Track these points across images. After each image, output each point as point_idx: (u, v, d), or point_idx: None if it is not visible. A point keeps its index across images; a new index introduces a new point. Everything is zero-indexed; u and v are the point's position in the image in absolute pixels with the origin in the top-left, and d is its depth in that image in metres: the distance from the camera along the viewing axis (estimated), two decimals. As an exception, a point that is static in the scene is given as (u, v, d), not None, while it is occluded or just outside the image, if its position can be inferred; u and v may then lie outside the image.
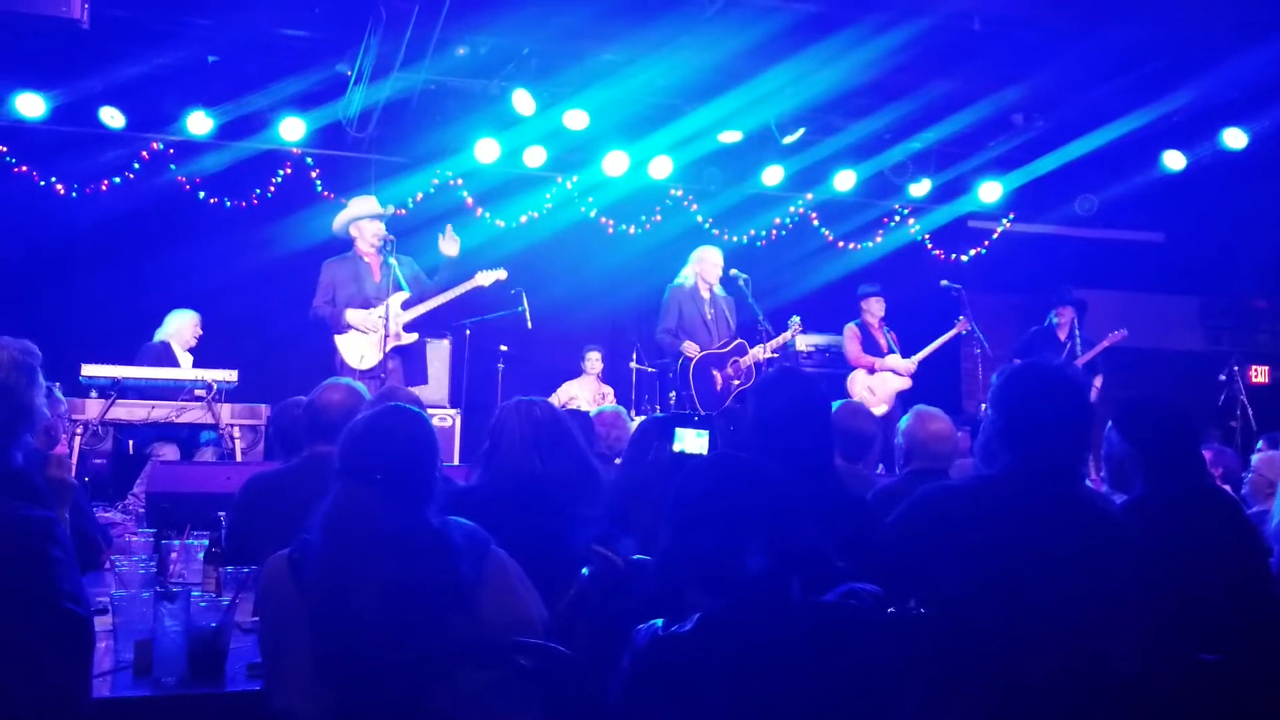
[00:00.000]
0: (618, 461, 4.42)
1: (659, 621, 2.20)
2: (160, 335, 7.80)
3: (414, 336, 7.35)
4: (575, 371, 9.50)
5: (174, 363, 7.50)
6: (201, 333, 7.93)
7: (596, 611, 2.86)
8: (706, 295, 8.32)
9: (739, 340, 8.21)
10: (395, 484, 2.41)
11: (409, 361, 7.42)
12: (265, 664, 2.44)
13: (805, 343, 9.30)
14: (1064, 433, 2.63)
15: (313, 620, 2.31)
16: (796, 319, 8.23)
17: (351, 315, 7.17)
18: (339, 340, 7.24)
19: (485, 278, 7.53)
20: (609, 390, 9.39)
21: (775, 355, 8.18)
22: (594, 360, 9.44)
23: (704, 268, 8.30)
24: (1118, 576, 2.51)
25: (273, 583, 2.42)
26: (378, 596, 2.29)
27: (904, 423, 4.42)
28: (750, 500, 2.19)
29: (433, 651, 2.30)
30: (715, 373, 8.06)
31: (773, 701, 2.05)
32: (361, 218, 7.40)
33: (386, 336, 7.06)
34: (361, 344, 7.18)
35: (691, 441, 3.40)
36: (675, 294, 8.33)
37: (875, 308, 9.00)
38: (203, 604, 2.66)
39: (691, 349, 8.04)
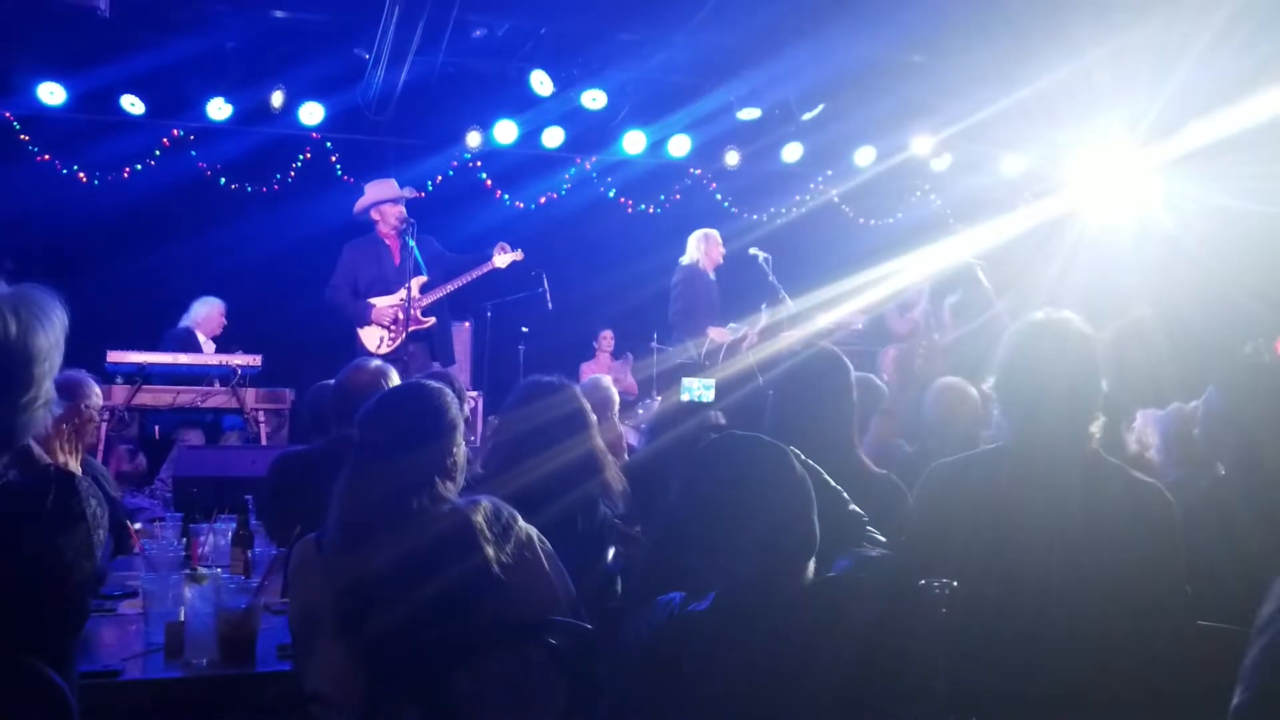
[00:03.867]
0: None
1: (677, 596, 2.20)
2: (186, 322, 7.85)
3: (431, 320, 7.35)
4: (594, 352, 9.63)
5: (197, 350, 7.54)
6: (226, 322, 7.99)
7: (623, 587, 2.88)
8: (713, 277, 8.35)
9: (743, 327, 8.26)
10: (410, 460, 2.39)
11: (434, 343, 7.45)
12: (296, 647, 2.45)
13: (826, 319, 9.27)
14: (1061, 393, 2.51)
15: (336, 602, 2.31)
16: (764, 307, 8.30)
17: (376, 314, 7.20)
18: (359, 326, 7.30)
19: (501, 260, 7.52)
20: (625, 367, 9.52)
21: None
22: (606, 339, 9.72)
23: (709, 250, 8.34)
24: (1135, 543, 2.44)
25: (301, 566, 2.43)
26: (397, 576, 2.28)
27: (929, 396, 4.44)
28: (765, 481, 2.18)
29: (457, 631, 2.29)
30: (733, 355, 8.10)
31: (790, 677, 2.06)
32: (382, 202, 7.40)
33: (407, 321, 7.08)
34: (380, 330, 7.23)
35: (700, 390, 3.41)
36: (689, 274, 8.33)
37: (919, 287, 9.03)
38: (232, 586, 2.69)
39: (721, 334, 8.07)
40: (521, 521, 2.46)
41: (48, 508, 2.11)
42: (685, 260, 8.39)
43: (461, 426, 2.54)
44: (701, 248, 8.35)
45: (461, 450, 2.52)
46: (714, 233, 8.46)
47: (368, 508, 2.35)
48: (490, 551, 2.35)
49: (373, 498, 2.36)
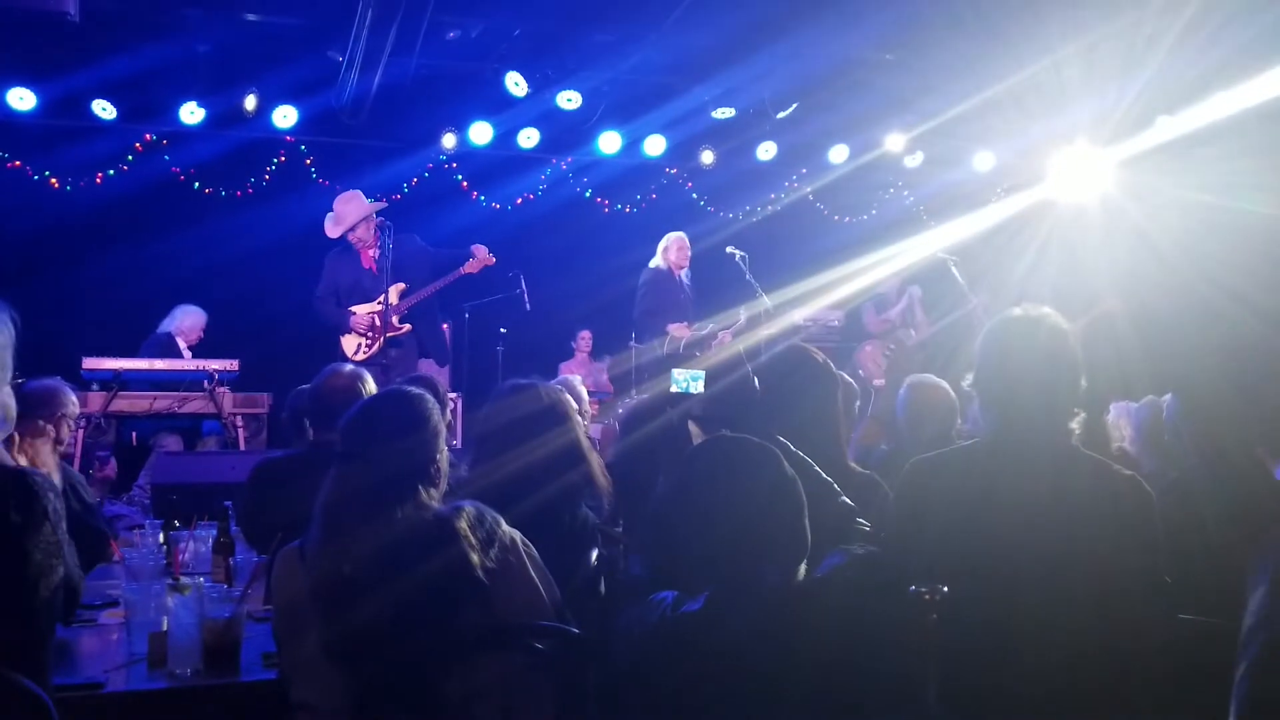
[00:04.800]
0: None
1: (669, 595, 2.21)
2: (168, 326, 7.82)
3: (407, 327, 7.33)
4: (572, 352, 9.63)
5: (178, 355, 7.51)
6: (204, 335, 7.96)
7: (606, 589, 2.89)
8: (678, 279, 8.40)
9: (708, 325, 8.29)
10: (392, 468, 2.38)
11: (423, 343, 7.44)
12: (281, 657, 2.45)
13: (803, 316, 9.31)
14: (1039, 389, 2.53)
15: (320, 611, 2.30)
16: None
17: (354, 320, 7.19)
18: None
19: (474, 265, 7.48)
20: (602, 367, 9.54)
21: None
22: (585, 339, 9.74)
23: (671, 254, 8.40)
24: (1114, 535, 2.45)
25: (284, 575, 2.43)
26: (381, 584, 2.28)
27: (901, 393, 4.44)
28: (756, 484, 2.19)
29: (443, 638, 2.29)
30: (697, 354, 8.10)
31: (782, 677, 2.07)
32: (356, 225, 7.34)
33: (384, 328, 7.06)
34: (357, 337, 7.23)
35: (688, 382, 3.42)
36: (652, 277, 8.40)
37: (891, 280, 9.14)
38: (214, 595, 2.68)
39: (681, 331, 8.11)
40: (505, 526, 2.45)
41: (10, 512, 2.09)
42: (651, 264, 8.48)
43: (444, 432, 2.53)
44: (661, 251, 8.44)
45: (444, 456, 2.51)
46: (674, 237, 8.51)
47: (351, 517, 2.35)
48: (475, 557, 2.33)
49: (355, 506, 2.35)
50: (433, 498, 2.43)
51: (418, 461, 2.43)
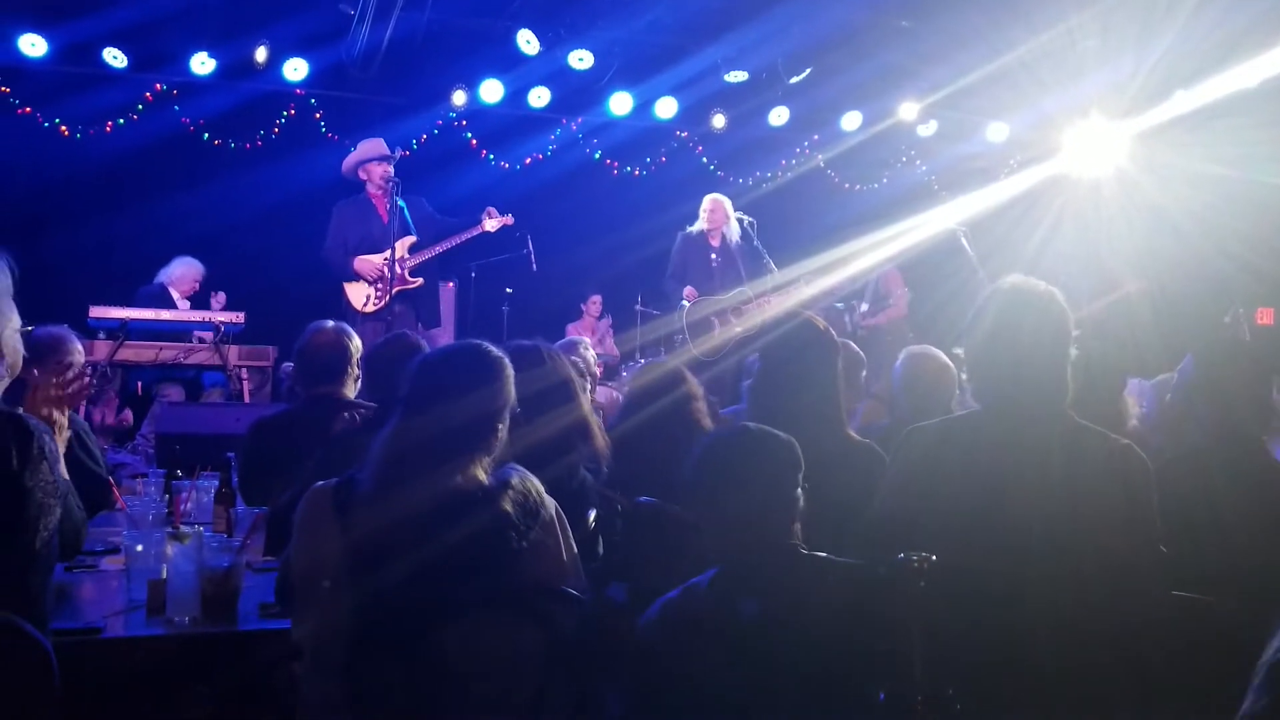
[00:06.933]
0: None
1: (674, 593, 2.25)
2: (161, 278, 7.82)
3: (419, 281, 7.32)
4: (579, 313, 9.63)
5: (172, 307, 7.50)
6: (199, 288, 7.95)
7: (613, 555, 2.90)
8: (716, 242, 8.31)
9: (744, 290, 8.18)
10: (460, 429, 2.32)
11: (420, 304, 7.42)
12: (297, 593, 2.38)
13: (814, 289, 9.26)
14: (1040, 358, 2.53)
15: (348, 552, 2.25)
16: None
17: (359, 265, 7.17)
18: (346, 284, 7.26)
19: (491, 224, 7.47)
20: (609, 331, 9.57)
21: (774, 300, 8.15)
22: (595, 304, 9.74)
23: (709, 215, 8.29)
24: (1114, 503, 2.45)
25: (313, 512, 2.35)
26: (415, 545, 2.22)
27: (897, 365, 4.42)
28: (765, 471, 2.24)
29: (456, 596, 2.26)
30: (714, 319, 8.02)
31: (785, 653, 2.08)
32: (368, 160, 7.36)
33: (393, 280, 7.05)
34: (366, 288, 7.20)
35: None
36: (682, 241, 8.33)
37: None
38: (214, 544, 2.70)
39: (688, 293, 8.06)
40: (547, 499, 2.41)
41: (9, 453, 2.11)
42: (690, 227, 8.37)
43: (512, 400, 2.45)
44: (702, 214, 8.33)
45: (506, 425, 2.44)
46: (709, 199, 8.39)
47: (410, 464, 2.30)
48: (513, 533, 2.29)
49: (416, 462, 2.30)
50: (486, 467, 2.37)
51: (485, 429, 2.36)
